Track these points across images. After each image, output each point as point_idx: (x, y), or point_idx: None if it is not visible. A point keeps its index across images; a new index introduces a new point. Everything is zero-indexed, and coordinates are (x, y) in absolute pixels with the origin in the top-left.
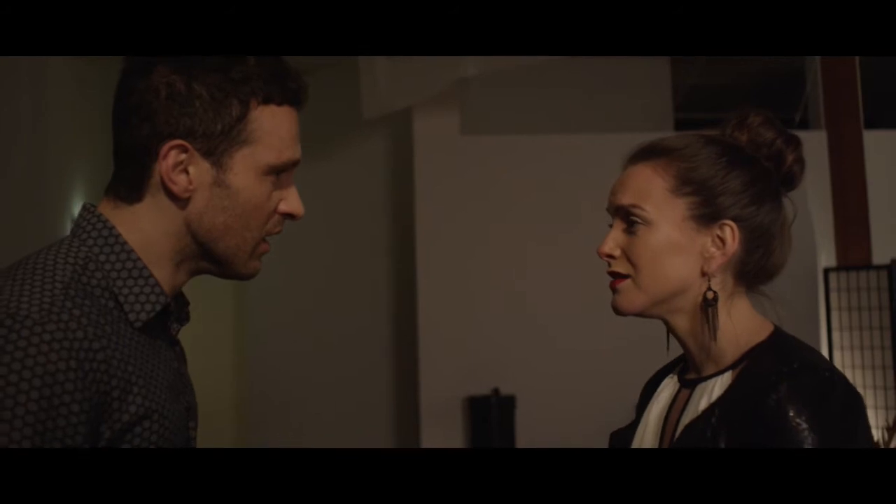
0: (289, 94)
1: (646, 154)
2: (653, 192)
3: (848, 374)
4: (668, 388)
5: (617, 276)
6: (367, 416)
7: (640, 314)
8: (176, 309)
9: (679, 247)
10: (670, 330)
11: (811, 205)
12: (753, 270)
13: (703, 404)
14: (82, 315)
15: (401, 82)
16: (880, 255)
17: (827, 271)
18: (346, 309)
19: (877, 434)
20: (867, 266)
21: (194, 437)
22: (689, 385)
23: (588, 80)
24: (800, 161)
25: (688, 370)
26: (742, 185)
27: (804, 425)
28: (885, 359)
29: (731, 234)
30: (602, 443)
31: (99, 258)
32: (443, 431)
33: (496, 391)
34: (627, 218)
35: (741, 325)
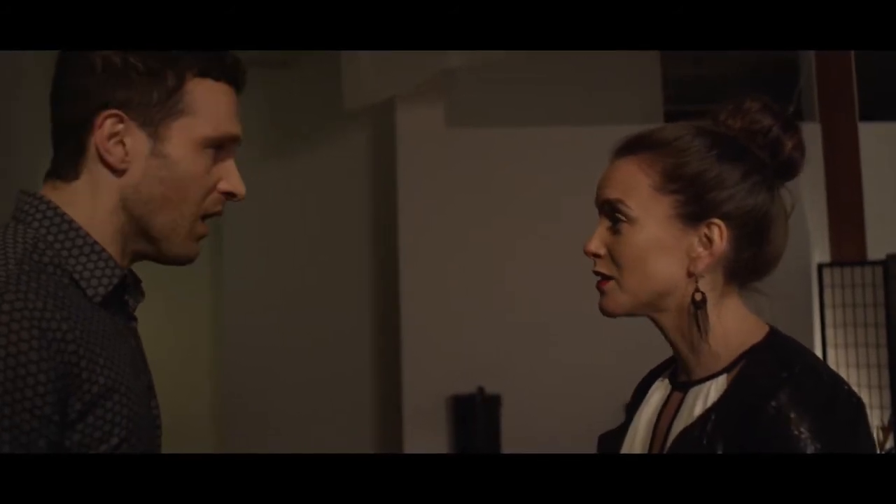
0: (225, 69)
1: (632, 147)
2: (637, 188)
3: (842, 373)
4: (659, 390)
5: (602, 277)
6: (349, 415)
7: (626, 314)
8: (133, 285)
9: (664, 246)
10: (659, 329)
11: (804, 199)
12: (745, 268)
13: (698, 409)
14: (40, 287)
15: (384, 73)
16: (875, 251)
17: (821, 267)
18: (327, 307)
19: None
20: (862, 262)
21: (158, 416)
22: (681, 388)
23: (577, 71)
24: (800, 148)
25: (679, 372)
26: (734, 179)
27: (805, 434)
28: (881, 357)
29: (718, 233)
30: (589, 442)
31: (47, 238)
32: (427, 431)
33: (481, 390)
34: (612, 215)
35: (732, 326)
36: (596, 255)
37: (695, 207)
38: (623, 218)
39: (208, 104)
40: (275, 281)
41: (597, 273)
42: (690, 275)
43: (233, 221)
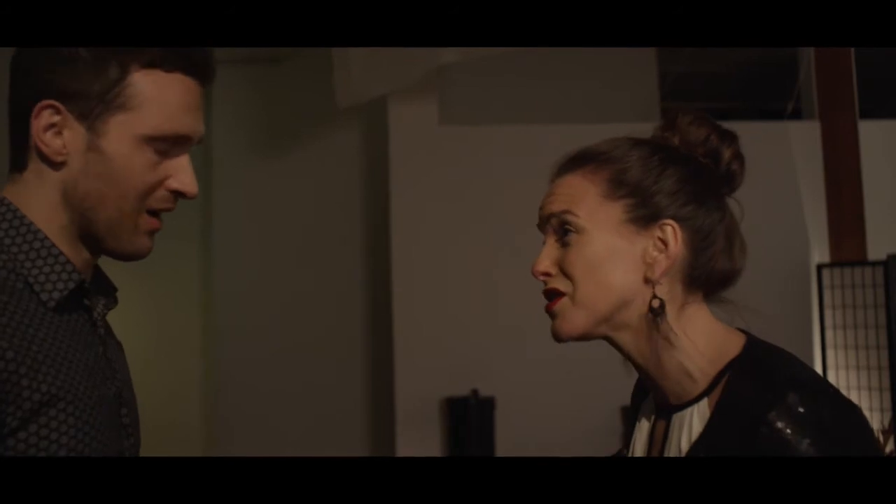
0: (181, 59)
1: (573, 163)
2: (585, 198)
3: (842, 375)
4: (647, 414)
5: (553, 296)
6: (341, 418)
7: (582, 336)
8: (99, 291)
9: (618, 253)
10: (619, 351)
11: (804, 198)
12: (703, 275)
13: (685, 443)
14: None
15: (376, 70)
16: (876, 251)
17: (820, 267)
18: (319, 308)
19: None
20: (862, 262)
21: (128, 425)
22: (664, 414)
23: (572, 68)
24: (738, 157)
25: (658, 396)
26: (677, 182)
27: (808, 451)
28: (881, 359)
29: (672, 234)
30: (585, 445)
31: (4, 241)
32: (420, 433)
33: (475, 392)
34: (560, 228)
35: (702, 339)
36: (546, 275)
37: (645, 210)
38: (572, 229)
39: (154, 100)
40: (266, 281)
41: (547, 292)
42: (647, 281)
43: (224, 220)
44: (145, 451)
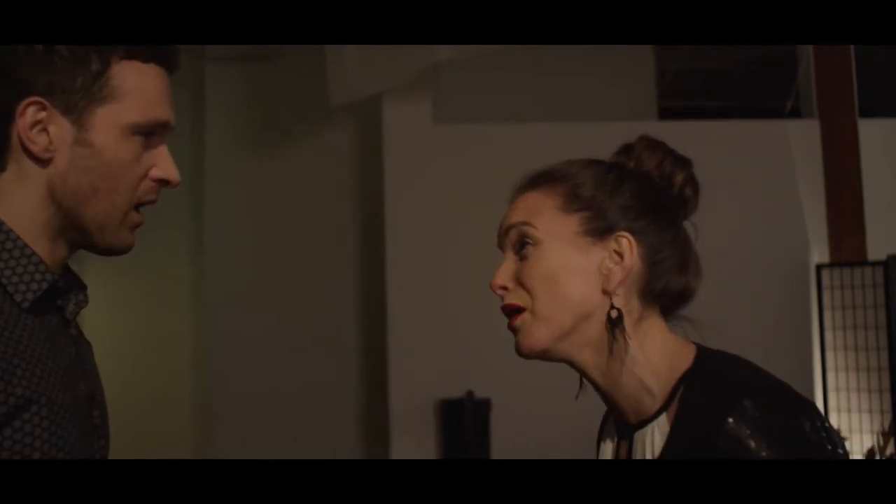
0: (154, 51)
1: (532, 182)
2: (543, 211)
3: (841, 376)
4: (609, 437)
5: (512, 311)
6: (335, 419)
7: (545, 352)
8: (70, 290)
9: (574, 264)
10: (581, 372)
11: (803, 198)
12: (658, 290)
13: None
14: None
15: (370, 67)
16: (876, 251)
17: (819, 268)
18: (312, 309)
19: (871, 440)
20: (862, 262)
21: (100, 426)
22: (625, 434)
23: (569, 65)
24: (691, 182)
25: (619, 417)
26: (631, 198)
27: (768, 456)
28: (881, 360)
29: (628, 245)
30: (581, 447)
31: None
32: (415, 436)
33: (470, 394)
34: (519, 241)
35: (656, 354)
36: (503, 289)
37: (600, 223)
38: (529, 241)
39: (136, 88)
40: (259, 281)
41: (505, 308)
42: (605, 293)
43: (217, 218)
44: (134, 452)
